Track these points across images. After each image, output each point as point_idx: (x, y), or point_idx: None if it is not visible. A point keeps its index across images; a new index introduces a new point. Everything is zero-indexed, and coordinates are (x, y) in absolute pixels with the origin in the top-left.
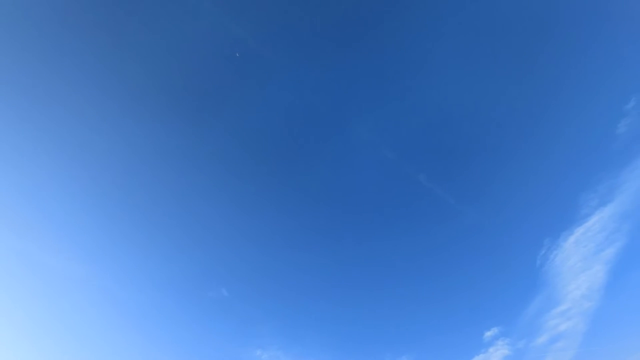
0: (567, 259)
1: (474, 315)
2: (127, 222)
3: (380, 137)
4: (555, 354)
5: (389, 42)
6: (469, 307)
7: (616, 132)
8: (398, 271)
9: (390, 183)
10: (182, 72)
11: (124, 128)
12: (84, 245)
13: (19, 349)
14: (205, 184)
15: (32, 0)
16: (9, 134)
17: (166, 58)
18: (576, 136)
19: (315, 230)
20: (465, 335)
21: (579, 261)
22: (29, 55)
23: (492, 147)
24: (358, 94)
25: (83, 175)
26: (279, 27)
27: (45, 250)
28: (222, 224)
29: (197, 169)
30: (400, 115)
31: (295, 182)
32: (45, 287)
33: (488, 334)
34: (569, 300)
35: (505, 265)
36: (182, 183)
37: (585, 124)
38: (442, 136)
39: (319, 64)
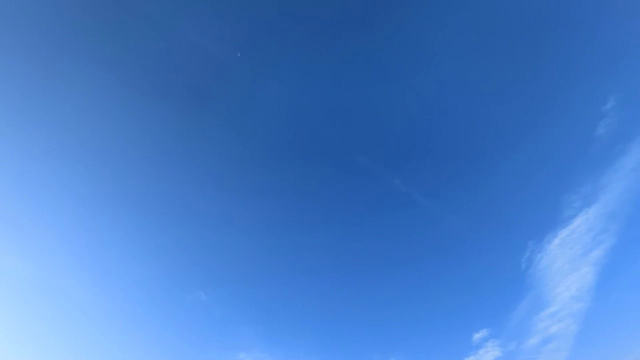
0: (554, 261)
1: (461, 317)
2: (99, 223)
3: (351, 141)
4: (547, 356)
5: (362, 47)
6: (456, 309)
7: (596, 133)
8: (383, 273)
9: (363, 187)
10: (180, 71)
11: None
12: (51, 246)
13: None
14: (184, 185)
15: (32, 0)
16: (9, 132)
17: (165, 57)
18: (556, 138)
19: (298, 232)
20: (454, 337)
21: (567, 263)
22: (28, 54)
23: (469, 151)
24: (329, 98)
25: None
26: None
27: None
28: (199, 227)
29: (182, 169)
30: (373, 118)
31: (273, 185)
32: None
33: (477, 335)
34: (558, 302)
35: (491, 267)
36: (160, 184)
37: (565, 126)
38: (417, 140)
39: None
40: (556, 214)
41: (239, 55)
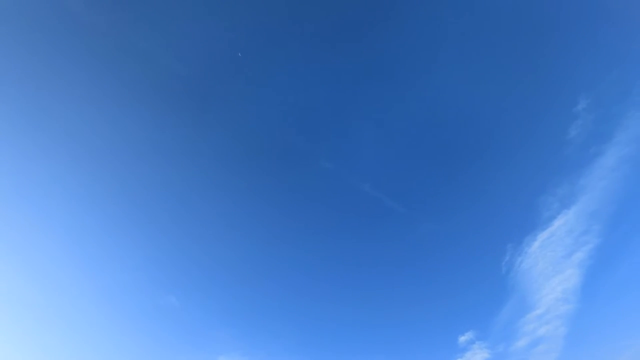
0: (535, 264)
1: (445, 320)
2: (65, 224)
3: (318, 146)
4: (537, 358)
5: (332, 53)
6: (439, 313)
7: (569, 135)
8: (362, 277)
9: (330, 192)
10: (181, 72)
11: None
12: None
13: None
14: (155, 186)
15: (33, 0)
16: (10, 133)
17: (165, 58)
18: (529, 141)
19: (276, 235)
20: (440, 340)
21: (549, 265)
22: (28, 54)
23: (441, 156)
24: (295, 104)
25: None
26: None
27: None
28: (168, 229)
29: (160, 169)
30: (340, 123)
31: (245, 189)
32: None
33: (463, 338)
34: (544, 305)
35: (471, 271)
36: (131, 184)
37: (538, 129)
38: (387, 145)
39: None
40: (534, 217)
41: (240, 55)
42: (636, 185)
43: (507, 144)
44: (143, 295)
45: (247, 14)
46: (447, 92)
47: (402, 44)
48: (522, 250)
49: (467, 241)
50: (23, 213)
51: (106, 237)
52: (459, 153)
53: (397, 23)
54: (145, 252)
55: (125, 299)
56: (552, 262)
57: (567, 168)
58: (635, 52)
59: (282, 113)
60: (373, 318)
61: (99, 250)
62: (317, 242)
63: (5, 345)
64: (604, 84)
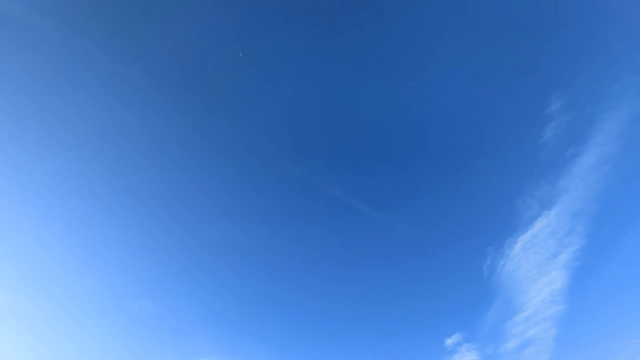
0: (519, 267)
1: (431, 322)
2: (34, 226)
3: (285, 151)
4: (528, 359)
5: (306, 54)
6: (423, 316)
7: (544, 136)
8: (339, 283)
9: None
10: (181, 70)
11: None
12: None
13: None
14: (126, 190)
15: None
16: (13, 131)
17: (168, 57)
18: (503, 144)
19: (254, 237)
20: (426, 343)
21: (534, 268)
22: (30, 52)
23: (414, 160)
24: (260, 109)
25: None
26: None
27: None
28: (142, 232)
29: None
30: (309, 127)
31: (222, 191)
32: None
33: (450, 340)
34: (531, 307)
35: (452, 274)
36: (98, 188)
37: (512, 131)
38: (358, 148)
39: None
40: (513, 219)
41: (241, 55)
42: (618, 185)
43: (482, 146)
44: (115, 300)
45: (245, 13)
46: (420, 95)
47: (370, 49)
48: (504, 253)
49: (447, 244)
50: None
51: (75, 241)
52: (431, 156)
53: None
54: (119, 256)
55: (98, 304)
56: (536, 264)
57: (544, 170)
58: (609, 52)
59: (252, 117)
60: (356, 323)
61: (67, 255)
62: (293, 248)
63: None
64: (577, 83)
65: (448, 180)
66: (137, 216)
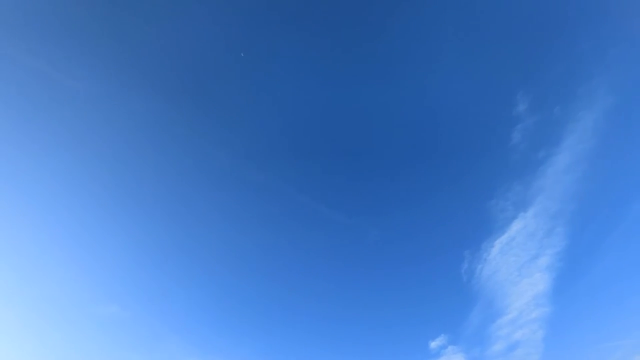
0: (498, 270)
1: (412, 326)
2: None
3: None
4: None
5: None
6: (403, 320)
7: (512, 137)
8: (314, 289)
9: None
10: (182, 71)
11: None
12: None
13: None
14: (98, 193)
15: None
16: (9, 130)
17: (168, 58)
18: (473, 146)
19: (227, 239)
20: (410, 346)
21: (514, 271)
22: (28, 52)
23: (382, 165)
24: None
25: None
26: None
27: None
28: (109, 237)
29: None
30: (270, 132)
31: (180, 194)
32: None
33: (434, 343)
34: (515, 309)
35: (430, 278)
36: (65, 188)
37: (480, 133)
38: (325, 154)
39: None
40: (488, 223)
41: (242, 55)
42: (598, 184)
43: (450, 150)
44: (82, 306)
45: (246, 13)
46: (388, 99)
47: (342, 51)
48: (481, 256)
49: (421, 249)
50: None
51: (40, 245)
52: (399, 161)
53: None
54: (85, 261)
55: (64, 310)
56: (516, 267)
57: (516, 172)
58: (575, 52)
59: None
60: (336, 329)
61: (31, 260)
62: (266, 251)
63: None
64: (542, 84)
65: (418, 184)
66: (103, 220)
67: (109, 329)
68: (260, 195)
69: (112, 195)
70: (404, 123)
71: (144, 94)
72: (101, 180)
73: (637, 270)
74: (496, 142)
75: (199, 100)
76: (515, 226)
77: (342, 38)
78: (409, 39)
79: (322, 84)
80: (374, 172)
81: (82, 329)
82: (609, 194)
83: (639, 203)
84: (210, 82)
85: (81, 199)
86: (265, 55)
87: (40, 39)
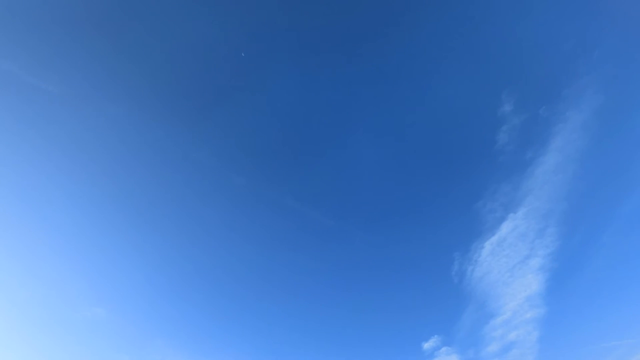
0: (489, 271)
1: (404, 328)
2: None
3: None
4: None
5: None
6: (395, 322)
7: (498, 140)
8: (301, 291)
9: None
10: (182, 73)
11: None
12: None
13: None
14: (79, 194)
15: (33, 1)
16: (9, 134)
17: (166, 59)
18: (458, 149)
19: (217, 241)
20: (402, 348)
21: (506, 272)
22: (29, 57)
23: (367, 167)
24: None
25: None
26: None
27: None
28: (88, 236)
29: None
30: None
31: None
32: None
33: (427, 344)
34: (508, 310)
35: (420, 280)
36: (47, 190)
37: (466, 134)
38: (308, 156)
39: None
40: (477, 224)
41: (243, 55)
42: (590, 184)
43: (436, 150)
44: (68, 308)
45: (246, 15)
46: (372, 102)
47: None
48: (471, 257)
49: (410, 250)
50: None
51: (24, 247)
52: (383, 163)
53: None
54: (71, 263)
55: (49, 312)
56: (508, 268)
57: (504, 173)
58: (558, 53)
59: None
60: (327, 333)
61: (16, 261)
62: (249, 256)
63: None
64: (527, 84)
65: (405, 187)
66: (88, 223)
67: (95, 331)
68: (243, 198)
69: (94, 198)
70: (390, 126)
71: (121, 98)
72: (84, 184)
73: (632, 269)
74: (482, 143)
75: (179, 102)
76: (505, 227)
77: (333, 40)
78: (393, 41)
79: (308, 87)
80: (361, 175)
81: (67, 331)
82: (600, 194)
83: (631, 202)
84: (190, 85)
85: (64, 202)
86: (248, 58)
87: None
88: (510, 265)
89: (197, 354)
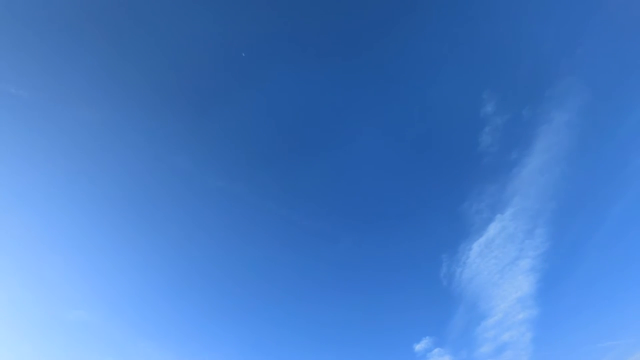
0: (478, 273)
1: (394, 330)
2: None
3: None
4: None
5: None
6: (384, 325)
7: (481, 141)
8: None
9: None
10: (182, 73)
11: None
12: None
13: None
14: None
15: (32, 1)
16: (10, 135)
17: (166, 58)
18: (441, 151)
19: (199, 245)
20: (394, 349)
21: (496, 273)
22: (29, 57)
23: (351, 169)
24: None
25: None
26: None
27: None
28: (68, 238)
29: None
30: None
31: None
32: None
33: (419, 346)
34: (500, 311)
35: (408, 281)
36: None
37: (449, 136)
38: (291, 160)
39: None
40: (463, 226)
41: (243, 55)
42: (578, 184)
43: (418, 153)
44: (49, 311)
45: (247, 15)
46: (356, 103)
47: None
48: (459, 259)
49: (396, 252)
50: None
51: (5, 249)
52: (369, 165)
53: None
54: (53, 266)
55: (31, 315)
56: (498, 269)
57: (488, 174)
58: (539, 54)
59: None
60: (318, 337)
61: None
62: (233, 259)
63: None
64: (508, 86)
65: (388, 189)
66: (68, 224)
67: (77, 334)
68: (222, 201)
69: (74, 200)
70: (372, 128)
71: (95, 102)
72: (62, 186)
73: (625, 269)
74: (466, 144)
75: (155, 106)
76: (493, 228)
77: (316, 43)
78: (373, 44)
79: (289, 88)
80: (347, 179)
81: (48, 335)
82: (590, 193)
83: (622, 201)
84: (164, 88)
85: (43, 204)
86: (225, 57)
87: (39, 43)
88: (500, 266)
89: (183, 355)
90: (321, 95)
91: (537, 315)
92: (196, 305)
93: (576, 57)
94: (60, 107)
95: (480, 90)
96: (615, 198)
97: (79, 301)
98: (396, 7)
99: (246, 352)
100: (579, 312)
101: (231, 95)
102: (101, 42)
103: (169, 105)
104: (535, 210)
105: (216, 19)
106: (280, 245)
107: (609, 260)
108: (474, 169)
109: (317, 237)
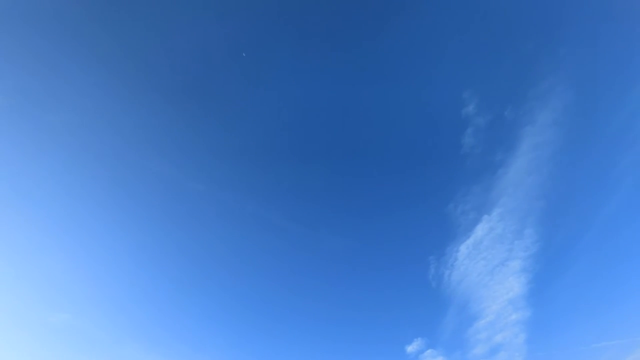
0: (468, 274)
1: (386, 331)
2: None
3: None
4: None
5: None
6: (373, 326)
7: (464, 142)
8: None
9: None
10: (182, 72)
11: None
12: None
13: None
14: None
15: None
16: (8, 131)
17: (167, 57)
18: (424, 152)
19: (184, 246)
20: (385, 351)
21: (486, 275)
22: (28, 53)
23: (334, 171)
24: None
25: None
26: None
27: None
28: (52, 240)
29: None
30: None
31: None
32: None
33: (411, 347)
34: (491, 313)
35: (395, 283)
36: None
37: (430, 136)
38: (271, 161)
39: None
40: (450, 227)
41: (244, 55)
42: (567, 183)
43: (398, 154)
44: (33, 314)
45: (244, 13)
46: (338, 103)
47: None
48: (447, 261)
49: (385, 255)
50: None
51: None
52: (352, 167)
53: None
54: (36, 268)
55: (14, 318)
56: (487, 270)
57: (472, 174)
58: (520, 54)
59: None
60: (309, 340)
61: None
62: (218, 261)
63: None
64: (489, 86)
65: (371, 191)
66: (52, 225)
67: (61, 337)
68: (199, 202)
69: (54, 203)
70: (354, 129)
71: (81, 105)
72: (45, 186)
73: (616, 268)
74: (448, 145)
75: (155, 106)
76: (481, 229)
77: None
78: (352, 42)
79: (273, 86)
80: (331, 181)
81: (30, 339)
82: (580, 193)
83: (613, 200)
84: (161, 88)
85: (24, 206)
86: (204, 56)
87: (38, 41)
88: (489, 267)
89: (171, 357)
90: (314, 96)
91: (530, 316)
92: (184, 307)
93: (559, 55)
94: (39, 111)
95: (460, 91)
96: (605, 197)
97: (61, 304)
98: (374, 8)
99: (234, 353)
100: (572, 312)
101: (231, 96)
102: (88, 43)
103: (169, 105)
104: (523, 210)
105: (214, 19)
106: (266, 248)
107: (600, 260)
108: (458, 170)
109: (304, 240)
